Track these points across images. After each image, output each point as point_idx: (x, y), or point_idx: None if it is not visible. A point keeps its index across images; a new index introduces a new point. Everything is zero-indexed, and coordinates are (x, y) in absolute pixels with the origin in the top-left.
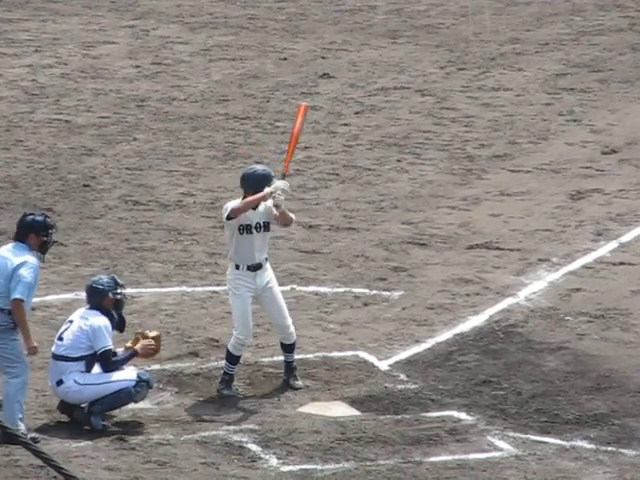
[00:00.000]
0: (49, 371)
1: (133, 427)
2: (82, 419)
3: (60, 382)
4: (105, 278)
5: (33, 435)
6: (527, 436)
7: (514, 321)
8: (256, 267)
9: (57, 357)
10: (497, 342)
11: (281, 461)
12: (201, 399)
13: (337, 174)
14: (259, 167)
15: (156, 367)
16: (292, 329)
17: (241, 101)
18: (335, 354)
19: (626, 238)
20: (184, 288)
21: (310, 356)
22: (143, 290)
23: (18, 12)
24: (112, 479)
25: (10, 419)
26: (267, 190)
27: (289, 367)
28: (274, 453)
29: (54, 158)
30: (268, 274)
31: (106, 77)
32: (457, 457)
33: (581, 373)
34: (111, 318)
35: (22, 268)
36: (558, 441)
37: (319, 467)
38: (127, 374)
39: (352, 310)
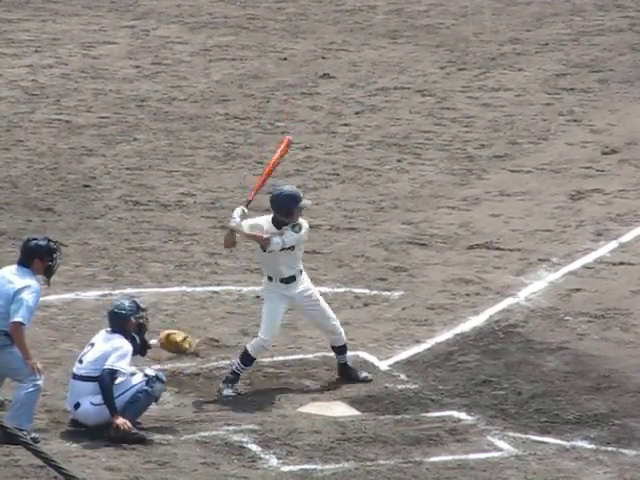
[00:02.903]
0: (69, 392)
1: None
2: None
3: (77, 405)
4: (127, 302)
5: (33, 435)
6: (527, 436)
7: (514, 321)
8: (289, 280)
9: (76, 377)
10: (497, 342)
11: (281, 461)
12: (201, 399)
13: (337, 174)
14: (286, 188)
15: (156, 367)
16: (341, 330)
17: (241, 101)
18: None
19: (626, 238)
20: (184, 288)
21: (310, 356)
22: (143, 290)
23: (18, 12)
24: (112, 479)
25: (17, 421)
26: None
27: (343, 368)
28: (274, 453)
29: (54, 158)
30: (303, 283)
31: (106, 77)
32: (457, 457)
33: (581, 373)
34: (134, 343)
35: (25, 292)
36: (558, 441)
37: (319, 467)
38: (135, 379)
39: (352, 310)
